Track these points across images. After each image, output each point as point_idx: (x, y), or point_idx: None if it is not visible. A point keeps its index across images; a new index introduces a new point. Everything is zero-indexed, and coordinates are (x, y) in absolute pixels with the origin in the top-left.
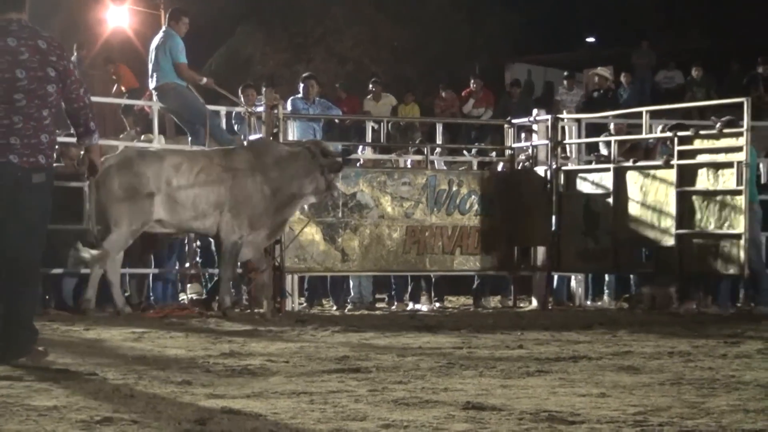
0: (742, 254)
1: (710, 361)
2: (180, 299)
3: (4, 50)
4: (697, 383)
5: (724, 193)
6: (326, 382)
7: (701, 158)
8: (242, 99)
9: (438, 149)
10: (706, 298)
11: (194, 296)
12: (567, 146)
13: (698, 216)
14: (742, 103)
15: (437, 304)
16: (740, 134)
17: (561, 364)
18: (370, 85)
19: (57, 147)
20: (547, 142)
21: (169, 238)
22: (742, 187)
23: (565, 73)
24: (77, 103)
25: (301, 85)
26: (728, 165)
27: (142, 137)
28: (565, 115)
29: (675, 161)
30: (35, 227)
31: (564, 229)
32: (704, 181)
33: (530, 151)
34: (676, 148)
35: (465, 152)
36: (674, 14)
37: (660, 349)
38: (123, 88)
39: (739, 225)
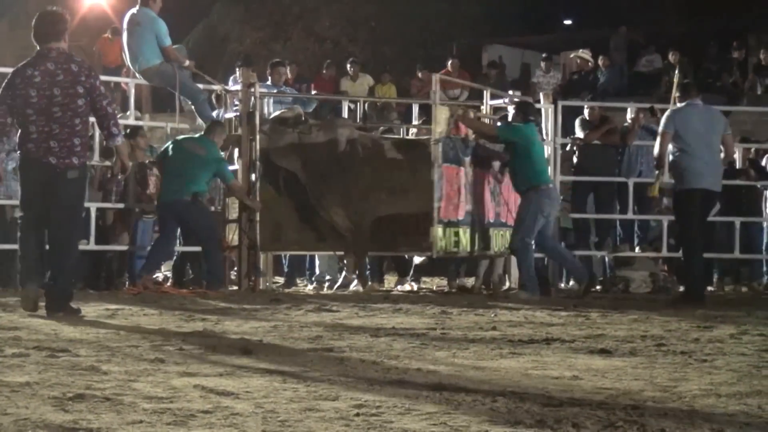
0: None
1: (683, 345)
2: (155, 276)
3: (45, 72)
4: (669, 367)
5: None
6: (299, 362)
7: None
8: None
9: (414, 129)
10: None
11: (168, 273)
12: (542, 128)
13: None
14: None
15: (415, 285)
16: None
17: (534, 347)
18: (348, 65)
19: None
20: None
21: (143, 214)
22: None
23: (543, 55)
24: (101, 112)
25: (269, 72)
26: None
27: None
28: (537, 98)
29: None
30: (71, 212)
31: None
32: None
33: None
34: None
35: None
36: None
37: (633, 332)
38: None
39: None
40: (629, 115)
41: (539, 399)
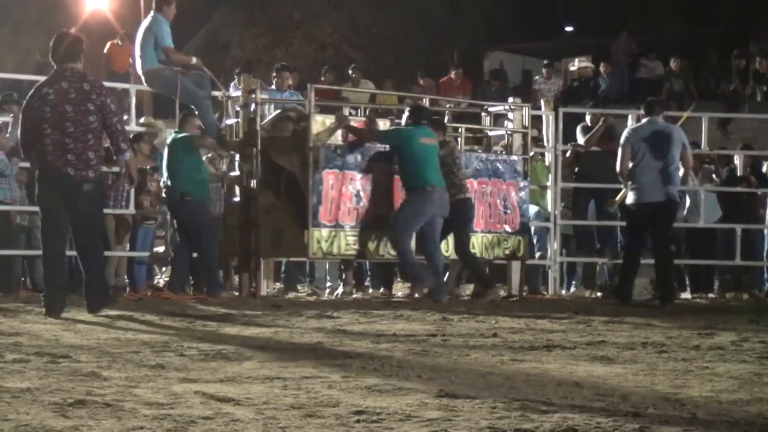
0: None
1: (684, 353)
2: (155, 282)
3: (59, 90)
4: (670, 374)
5: None
6: (300, 368)
7: None
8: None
9: None
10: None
11: (164, 280)
12: (544, 135)
13: None
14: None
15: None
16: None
17: (535, 353)
18: (349, 71)
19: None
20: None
21: (144, 220)
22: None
23: (545, 62)
24: (111, 129)
25: (274, 76)
26: None
27: (142, 119)
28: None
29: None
30: (92, 220)
31: None
32: None
33: (506, 139)
34: None
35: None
36: (653, 4)
37: (634, 339)
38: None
39: None
40: (630, 122)
41: (540, 406)
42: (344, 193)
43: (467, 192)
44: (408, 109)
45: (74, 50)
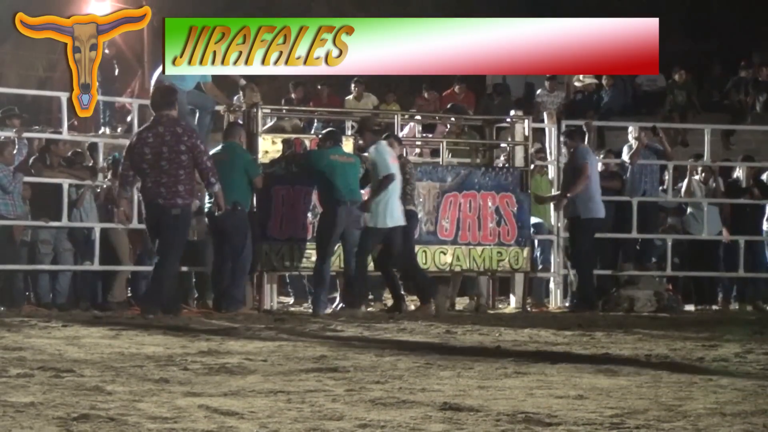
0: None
1: (688, 364)
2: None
3: (156, 134)
4: (674, 386)
5: None
6: (303, 381)
7: None
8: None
9: (417, 150)
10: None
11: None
12: (546, 147)
13: None
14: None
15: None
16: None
17: (538, 366)
18: (352, 85)
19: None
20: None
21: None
22: None
23: (548, 75)
24: (201, 166)
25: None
26: None
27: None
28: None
29: None
30: (172, 240)
31: None
32: None
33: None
34: None
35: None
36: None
37: (638, 351)
38: None
39: None
40: (632, 135)
41: (544, 418)
42: (301, 208)
43: (408, 205)
44: (323, 134)
45: (171, 99)
